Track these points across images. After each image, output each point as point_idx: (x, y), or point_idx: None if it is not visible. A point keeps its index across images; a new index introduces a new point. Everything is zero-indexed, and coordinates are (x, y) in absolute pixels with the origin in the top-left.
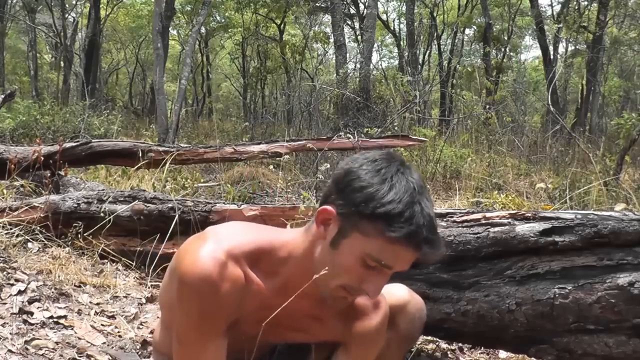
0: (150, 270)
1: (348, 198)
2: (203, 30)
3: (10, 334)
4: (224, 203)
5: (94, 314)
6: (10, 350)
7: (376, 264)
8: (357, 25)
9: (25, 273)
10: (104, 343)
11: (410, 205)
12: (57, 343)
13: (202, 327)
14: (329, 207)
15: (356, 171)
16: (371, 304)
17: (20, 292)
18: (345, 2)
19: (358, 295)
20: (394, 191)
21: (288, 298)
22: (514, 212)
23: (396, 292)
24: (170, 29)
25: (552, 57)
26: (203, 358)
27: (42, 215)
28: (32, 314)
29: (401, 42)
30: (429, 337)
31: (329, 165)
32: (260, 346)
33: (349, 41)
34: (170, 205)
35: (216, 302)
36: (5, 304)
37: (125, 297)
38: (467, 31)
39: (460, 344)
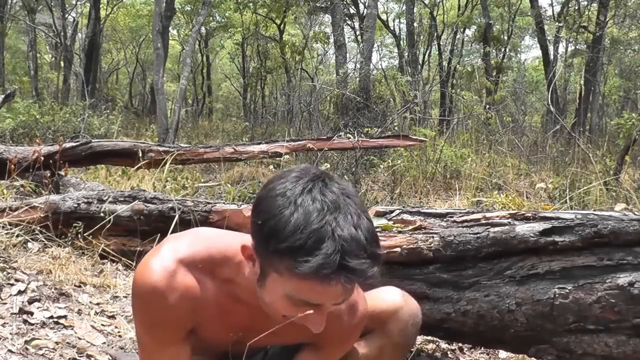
0: None
1: (259, 233)
2: (203, 30)
3: (10, 334)
4: (224, 203)
5: (94, 314)
6: (10, 350)
7: (303, 303)
8: (357, 25)
9: (25, 273)
10: (104, 343)
11: (315, 233)
12: (57, 343)
13: (156, 336)
14: (247, 244)
15: (264, 198)
16: (347, 307)
17: (20, 292)
18: (345, 2)
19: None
20: (295, 217)
21: (249, 304)
22: (514, 212)
23: (388, 297)
24: (170, 28)
25: (552, 57)
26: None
27: (42, 215)
28: (32, 314)
29: (401, 42)
30: (429, 337)
31: (329, 166)
32: (242, 351)
33: (349, 41)
34: (170, 205)
35: (165, 312)
36: (5, 304)
37: (125, 297)
38: (467, 31)
39: (460, 344)
